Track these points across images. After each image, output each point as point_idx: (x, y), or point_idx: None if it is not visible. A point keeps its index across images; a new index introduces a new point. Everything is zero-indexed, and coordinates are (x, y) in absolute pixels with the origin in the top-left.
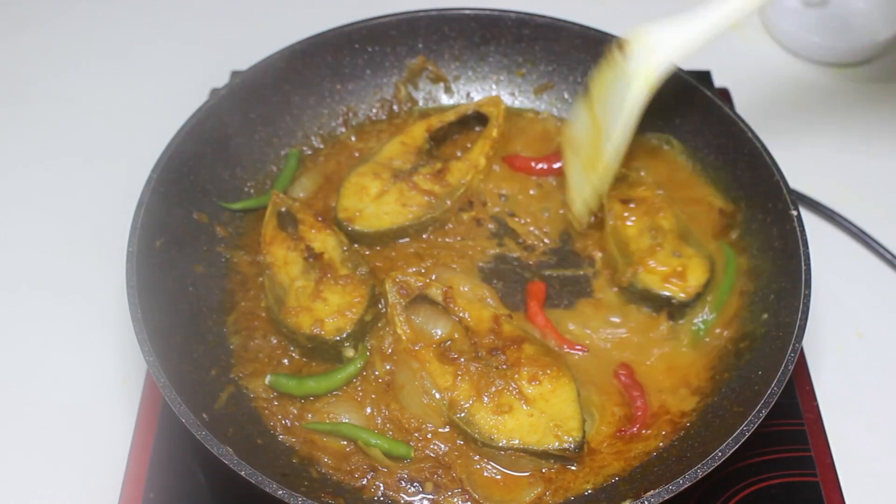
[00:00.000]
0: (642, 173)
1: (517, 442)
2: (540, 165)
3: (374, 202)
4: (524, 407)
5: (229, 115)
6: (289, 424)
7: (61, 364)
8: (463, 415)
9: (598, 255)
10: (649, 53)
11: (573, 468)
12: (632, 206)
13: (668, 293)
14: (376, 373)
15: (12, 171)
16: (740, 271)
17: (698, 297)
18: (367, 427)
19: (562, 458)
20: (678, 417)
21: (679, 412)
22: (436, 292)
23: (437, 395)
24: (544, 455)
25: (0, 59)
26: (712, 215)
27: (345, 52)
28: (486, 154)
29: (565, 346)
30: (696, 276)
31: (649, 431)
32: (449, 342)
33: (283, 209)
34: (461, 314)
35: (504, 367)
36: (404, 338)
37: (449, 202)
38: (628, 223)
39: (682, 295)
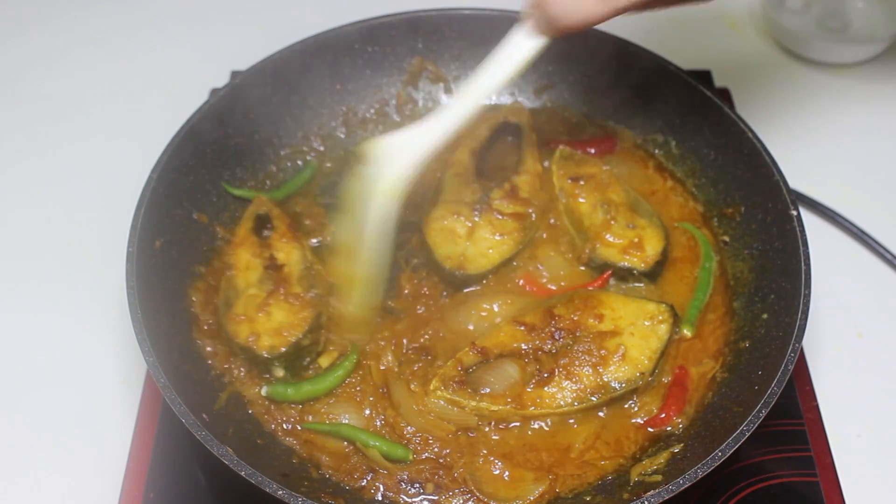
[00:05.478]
0: (606, 167)
1: (655, 350)
2: (591, 150)
3: (470, 241)
4: (623, 338)
5: (229, 115)
6: (288, 427)
7: (61, 364)
8: (611, 389)
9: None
10: (386, 166)
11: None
12: (581, 182)
13: (627, 264)
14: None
15: (12, 172)
16: (737, 273)
17: (657, 265)
18: (366, 428)
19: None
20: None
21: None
22: (473, 358)
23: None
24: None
25: (0, 59)
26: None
27: (345, 52)
28: (539, 159)
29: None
30: (652, 245)
31: (678, 419)
32: (529, 375)
33: (263, 212)
34: (502, 353)
35: (576, 334)
36: (509, 408)
37: (534, 216)
38: (580, 200)
39: (642, 265)
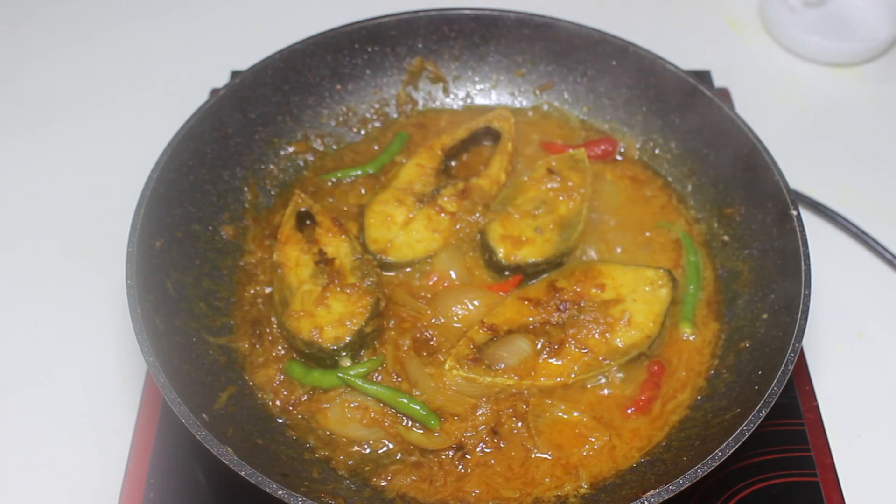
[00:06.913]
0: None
1: (659, 313)
2: (590, 150)
3: (403, 230)
4: (627, 304)
5: (229, 115)
6: (292, 410)
7: (62, 364)
8: (621, 352)
9: None
10: None
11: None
12: (554, 178)
13: (494, 247)
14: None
15: (12, 172)
16: (736, 273)
17: (517, 268)
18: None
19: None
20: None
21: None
22: (483, 335)
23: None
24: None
25: None
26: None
27: (345, 52)
28: (506, 168)
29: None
30: (530, 253)
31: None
32: (540, 347)
33: (303, 209)
34: (511, 329)
35: (581, 304)
36: (525, 381)
37: (476, 216)
38: (540, 187)
39: (501, 256)
